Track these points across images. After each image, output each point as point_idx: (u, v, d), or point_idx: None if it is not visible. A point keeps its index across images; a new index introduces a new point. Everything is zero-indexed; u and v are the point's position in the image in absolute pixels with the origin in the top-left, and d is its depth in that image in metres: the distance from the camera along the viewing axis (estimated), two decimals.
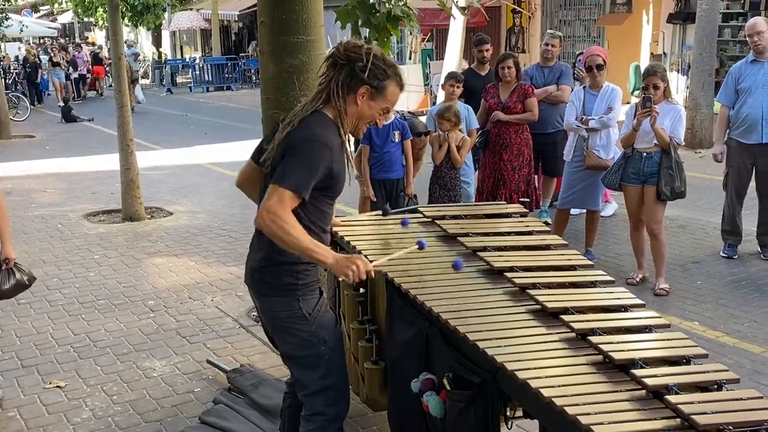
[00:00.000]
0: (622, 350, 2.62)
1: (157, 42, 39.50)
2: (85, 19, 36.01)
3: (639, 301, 3.05)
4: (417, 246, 3.23)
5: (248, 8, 29.33)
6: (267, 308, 3.06)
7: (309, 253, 2.80)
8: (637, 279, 6.59)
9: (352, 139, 4.32)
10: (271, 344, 3.25)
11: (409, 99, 18.06)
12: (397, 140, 6.55)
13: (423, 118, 7.60)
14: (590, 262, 3.42)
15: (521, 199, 4.72)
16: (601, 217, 7.99)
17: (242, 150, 13.57)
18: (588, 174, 6.87)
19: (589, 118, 6.78)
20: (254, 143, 3.34)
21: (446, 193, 6.85)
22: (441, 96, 8.89)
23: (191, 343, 5.44)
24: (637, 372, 2.49)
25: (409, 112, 8.31)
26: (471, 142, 7.03)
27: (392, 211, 4.07)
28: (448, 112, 6.81)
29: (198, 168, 12.92)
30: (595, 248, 7.27)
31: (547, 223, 7.35)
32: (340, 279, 2.86)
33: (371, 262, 2.94)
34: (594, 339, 2.70)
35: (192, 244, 8.15)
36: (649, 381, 2.44)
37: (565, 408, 2.30)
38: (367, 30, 5.34)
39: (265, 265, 3.01)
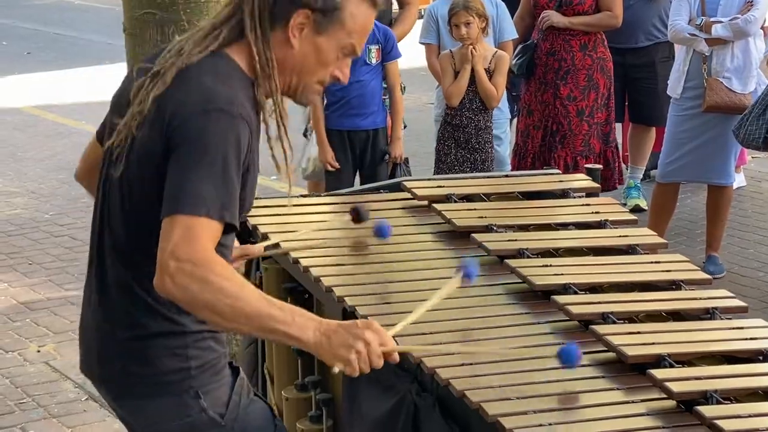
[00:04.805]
0: None
1: None
2: None
3: None
4: (462, 275, 2.63)
5: None
6: (137, 419, 2.49)
7: (269, 325, 2.23)
8: None
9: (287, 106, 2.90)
10: None
11: None
12: (374, 61, 5.60)
13: None
14: (708, 277, 3.02)
15: (589, 165, 4.08)
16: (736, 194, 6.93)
17: (94, 83, 10.78)
18: (711, 121, 5.83)
19: (714, 20, 5.75)
20: (116, 71, 2.18)
21: (468, 154, 5.74)
22: None
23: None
24: None
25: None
26: (508, 63, 5.89)
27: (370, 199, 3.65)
28: (466, 5, 5.50)
29: (15, 115, 10.65)
30: (723, 252, 6.19)
31: (637, 209, 6.61)
32: (335, 370, 2.30)
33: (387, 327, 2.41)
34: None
35: (3, 251, 6.72)
36: None
37: None
38: None
39: (124, 340, 2.40)
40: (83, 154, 2.71)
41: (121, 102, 2.44)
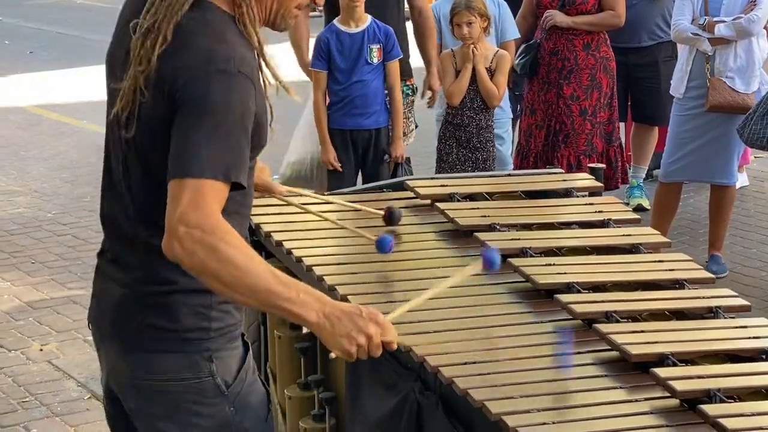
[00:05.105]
0: None
1: None
2: None
3: None
4: (484, 264, 2.51)
5: None
6: (142, 374, 2.39)
7: (272, 301, 2.20)
8: None
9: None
10: None
11: None
12: (375, 60, 5.56)
13: None
14: (711, 276, 3.00)
15: (592, 165, 4.03)
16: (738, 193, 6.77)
17: (97, 82, 11.55)
18: (713, 121, 5.83)
19: (717, 20, 5.75)
20: None
21: (469, 153, 5.78)
22: None
23: (2, 427, 4.63)
24: None
25: None
26: (510, 63, 5.87)
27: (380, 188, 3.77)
28: (468, 5, 5.50)
29: (18, 114, 10.71)
30: (726, 252, 6.21)
31: (640, 208, 6.60)
32: (332, 356, 2.27)
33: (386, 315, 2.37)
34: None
35: (6, 250, 6.70)
36: None
37: None
38: None
39: (147, 293, 2.37)
40: None
41: (114, 64, 2.41)
